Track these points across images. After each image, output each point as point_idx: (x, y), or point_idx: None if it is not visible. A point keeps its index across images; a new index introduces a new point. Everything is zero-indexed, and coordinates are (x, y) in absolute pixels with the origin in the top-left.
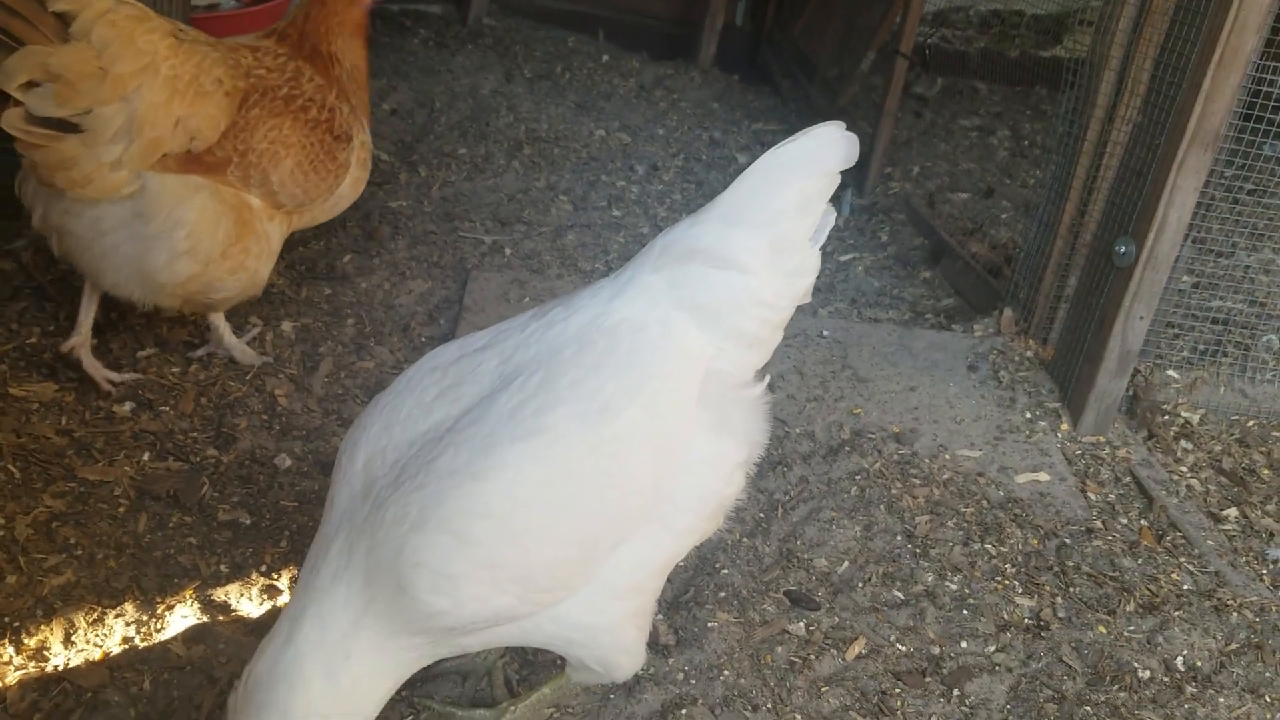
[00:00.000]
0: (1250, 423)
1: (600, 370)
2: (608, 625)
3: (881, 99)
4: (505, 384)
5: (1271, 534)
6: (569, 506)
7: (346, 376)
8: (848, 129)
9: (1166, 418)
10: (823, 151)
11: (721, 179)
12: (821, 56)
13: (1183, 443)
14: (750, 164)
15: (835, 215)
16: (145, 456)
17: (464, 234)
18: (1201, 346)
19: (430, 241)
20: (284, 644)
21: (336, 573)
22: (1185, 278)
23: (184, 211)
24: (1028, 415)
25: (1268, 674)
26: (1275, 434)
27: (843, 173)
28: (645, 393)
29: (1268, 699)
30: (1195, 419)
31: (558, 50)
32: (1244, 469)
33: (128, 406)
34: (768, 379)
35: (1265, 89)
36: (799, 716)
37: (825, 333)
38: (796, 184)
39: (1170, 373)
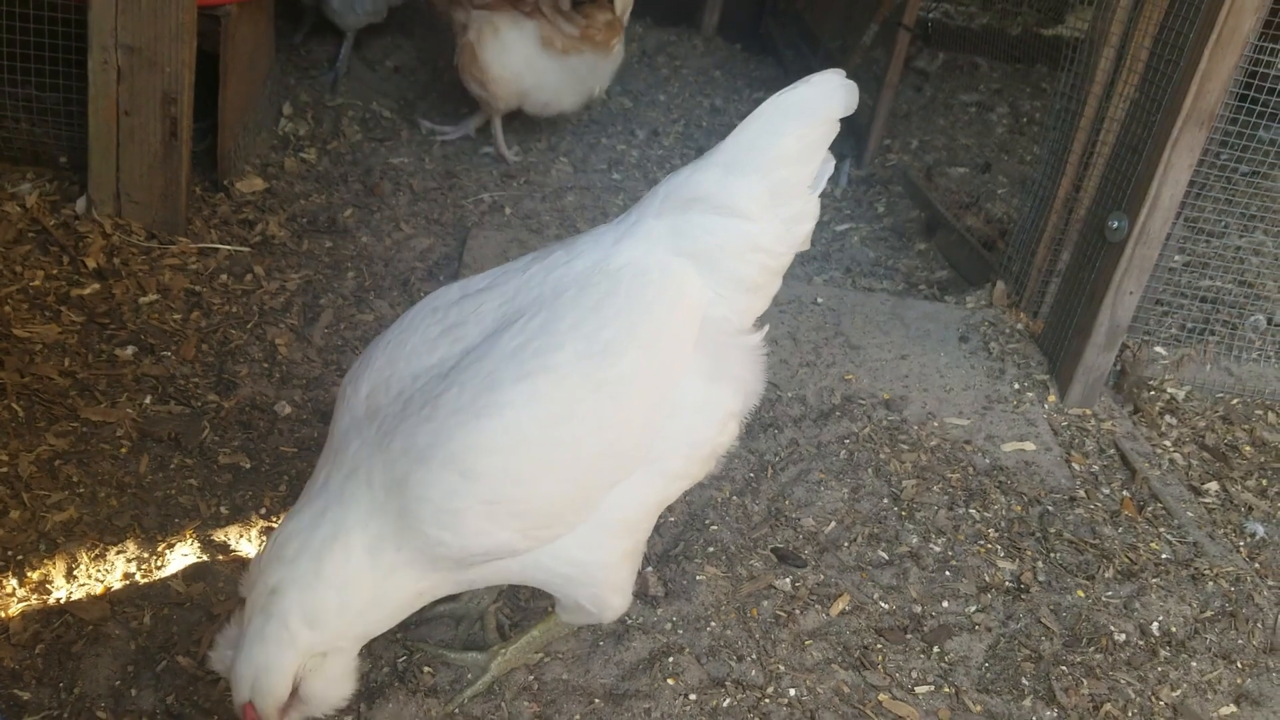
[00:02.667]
0: (1235, 400)
1: (601, 312)
2: (602, 562)
3: (883, 71)
4: (508, 324)
5: (1250, 508)
6: (568, 445)
7: (346, 328)
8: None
9: (1153, 393)
10: (823, 99)
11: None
12: (825, 27)
13: (1167, 418)
14: (778, 92)
15: (834, 162)
16: (147, 400)
17: (464, 191)
18: (1190, 325)
19: (431, 198)
20: (320, 512)
21: (358, 474)
22: (1177, 257)
23: None
24: (1016, 386)
25: (1240, 641)
26: (1259, 412)
27: (840, 144)
28: (644, 336)
29: (1239, 664)
30: (1181, 395)
31: None
32: (1226, 445)
33: (130, 350)
34: (766, 327)
35: (1262, 70)
36: (783, 667)
37: (819, 300)
38: (796, 131)
39: (1158, 349)
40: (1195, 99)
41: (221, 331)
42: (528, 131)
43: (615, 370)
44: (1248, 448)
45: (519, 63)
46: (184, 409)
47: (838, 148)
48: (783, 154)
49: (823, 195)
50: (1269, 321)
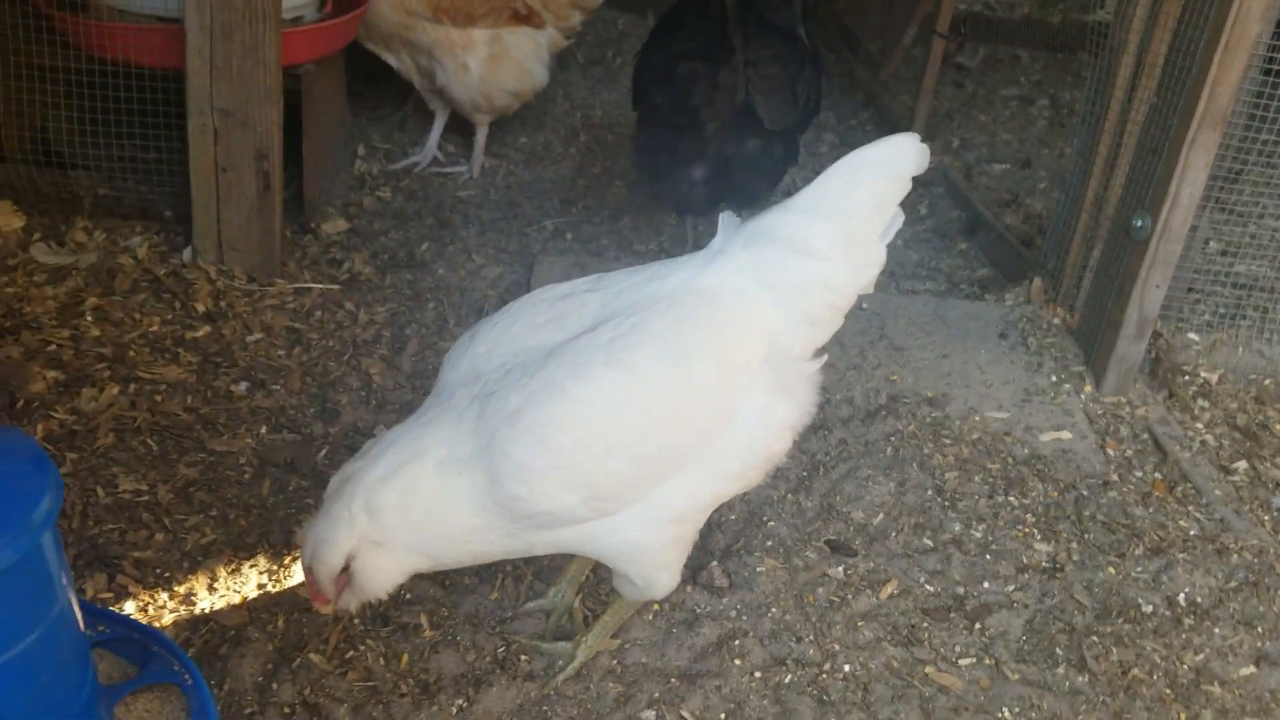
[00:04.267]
0: (1267, 381)
1: (683, 324)
2: (652, 544)
3: (922, 74)
4: (604, 321)
5: (1278, 484)
6: (635, 431)
7: (431, 355)
8: (892, 102)
9: (1186, 378)
10: (899, 158)
11: None
12: (864, 30)
13: (1200, 401)
14: (860, 148)
15: (903, 217)
16: (263, 430)
17: (528, 220)
18: (1222, 310)
19: (498, 229)
20: (409, 429)
21: (455, 411)
22: (1212, 244)
23: None
24: (1053, 378)
25: (1261, 609)
26: None
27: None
28: (716, 348)
29: (1260, 630)
30: (1214, 379)
31: (608, 33)
32: (1257, 424)
33: (243, 386)
34: (825, 358)
35: (1275, 68)
36: (838, 646)
37: (864, 305)
38: (873, 186)
39: (1191, 336)
40: (1209, 102)
41: (321, 364)
42: (585, 158)
43: (686, 375)
44: (1278, 426)
45: (541, 70)
46: (295, 436)
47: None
48: (859, 206)
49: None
50: None
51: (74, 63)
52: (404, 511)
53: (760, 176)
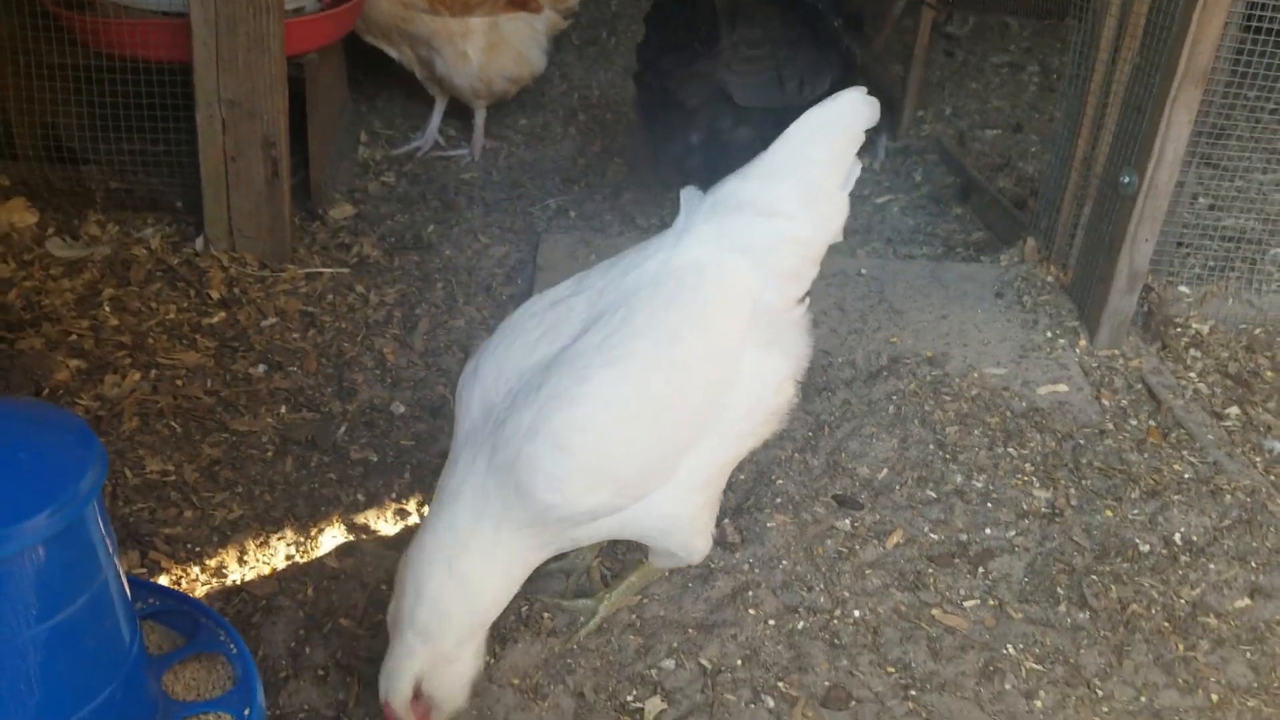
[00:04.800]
0: (1257, 330)
1: (669, 306)
2: (686, 514)
3: (913, 44)
4: (594, 322)
5: (1269, 428)
6: (649, 418)
7: (442, 333)
8: (884, 73)
9: (1178, 329)
10: (848, 114)
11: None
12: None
13: (1192, 351)
14: (810, 109)
15: (861, 166)
16: (282, 409)
17: (531, 199)
18: (1212, 263)
19: (502, 209)
20: (421, 536)
21: (465, 478)
22: (1200, 199)
23: None
24: (1049, 334)
25: (1254, 544)
26: None
27: (877, 120)
28: (706, 322)
29: (1253, 564)
30: (1205, 329)
31: (602, 14)
32: (1248, 372)
33: (261, 369)
34: (808, 301)
35: (1254, 25)
36: (847, 593)
37: (863, 271)
38: (827, 142)
39: (1182, 289)
40: (1189, 60)
41: (335, 345)
42: (584, 137)
43: (683, 354)
44: (1269, 373)
45: (539, 55)
46: (315, 415)
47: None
48: (817, 163)
49: (863, 170)
50: None
51: (82, 60)
52: (447, 619)
53: (748, 153)
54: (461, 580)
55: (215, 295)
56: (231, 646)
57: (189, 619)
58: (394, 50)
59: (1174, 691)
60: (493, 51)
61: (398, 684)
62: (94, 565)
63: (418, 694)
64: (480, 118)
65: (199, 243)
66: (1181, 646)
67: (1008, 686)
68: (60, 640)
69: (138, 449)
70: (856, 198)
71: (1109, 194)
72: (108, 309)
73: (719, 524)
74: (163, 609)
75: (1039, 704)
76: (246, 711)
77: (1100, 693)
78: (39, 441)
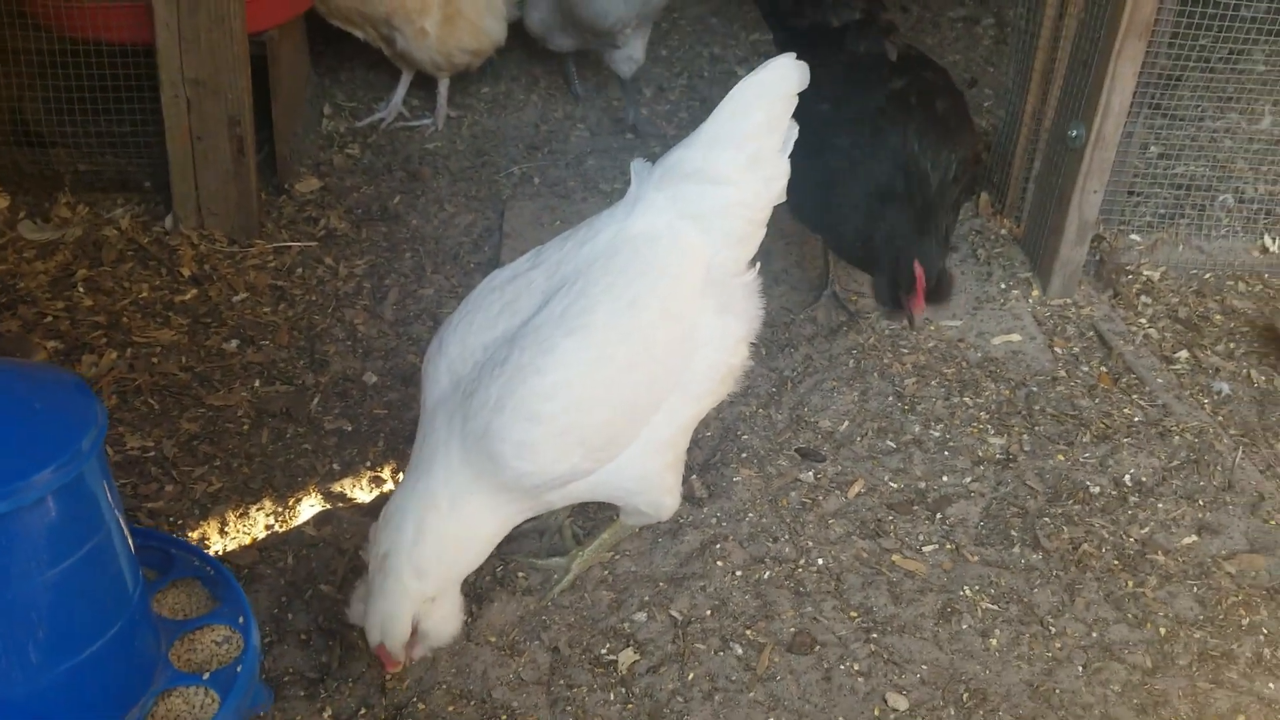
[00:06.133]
0: (1207, 275)
1: (625, 274)
2: (653, 473)
3: None
4: (554, 293)
5: (1217, 370)
6: (612, 384)
7: (411, 303)
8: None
9: (1130, 277)
10: (781, 79)
11: (723, 94)
12: None
13: (1144, 298)
14: (744, 78)
15: (797, 129)
16: (256, 383)
17: (496, 167)
18: (1162, 211)
19: (467, 177)
20: (412, 486)
21: (439, 445)
22: (1152, 148)
23: None
24: (1002, 286)
25: (1202, 483)
26: (1229, 283)
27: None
28: (661, 288)
29: (1200, 503)
30: (1156, 276)
31: None
32: (1198, 316)
33: (234, 343)
34: (759, 265)
35: None
36: (811, 543)
37: None
38: (763, 108)
39: (1133, 237)
40: (1132, 13)
41: (307, 318)
42: (546, 104)
43: (641, 320)
44: (1218, 316)
45: (496, 25)
46: (289, 387)
47: None
48: (755, 128)
49: None
50: (1237, 199)
51: (46, 44)
52: (444, 559)
53: None
54: (462, 519)
55: (186, 273)
56: (208, 569)
57: (161, 554)
58: (359, 31)
59: (1124, 626)
60: (449, 25)
61: (396, 626)
62: (97, 514)
63: (413, 633)
64: (444, 87)
65: (168, 221)
66: (1131, 583)
67: (965, 626)
68: (69, 582)
69: (117, 426)
70: None
71: (1058, 147)
72: (82, 290)
73: (687, 480)
74: (136, 546)
75: (994, 642)
76: (240, 619)
77: (1053, 629)
78: (43, 401)
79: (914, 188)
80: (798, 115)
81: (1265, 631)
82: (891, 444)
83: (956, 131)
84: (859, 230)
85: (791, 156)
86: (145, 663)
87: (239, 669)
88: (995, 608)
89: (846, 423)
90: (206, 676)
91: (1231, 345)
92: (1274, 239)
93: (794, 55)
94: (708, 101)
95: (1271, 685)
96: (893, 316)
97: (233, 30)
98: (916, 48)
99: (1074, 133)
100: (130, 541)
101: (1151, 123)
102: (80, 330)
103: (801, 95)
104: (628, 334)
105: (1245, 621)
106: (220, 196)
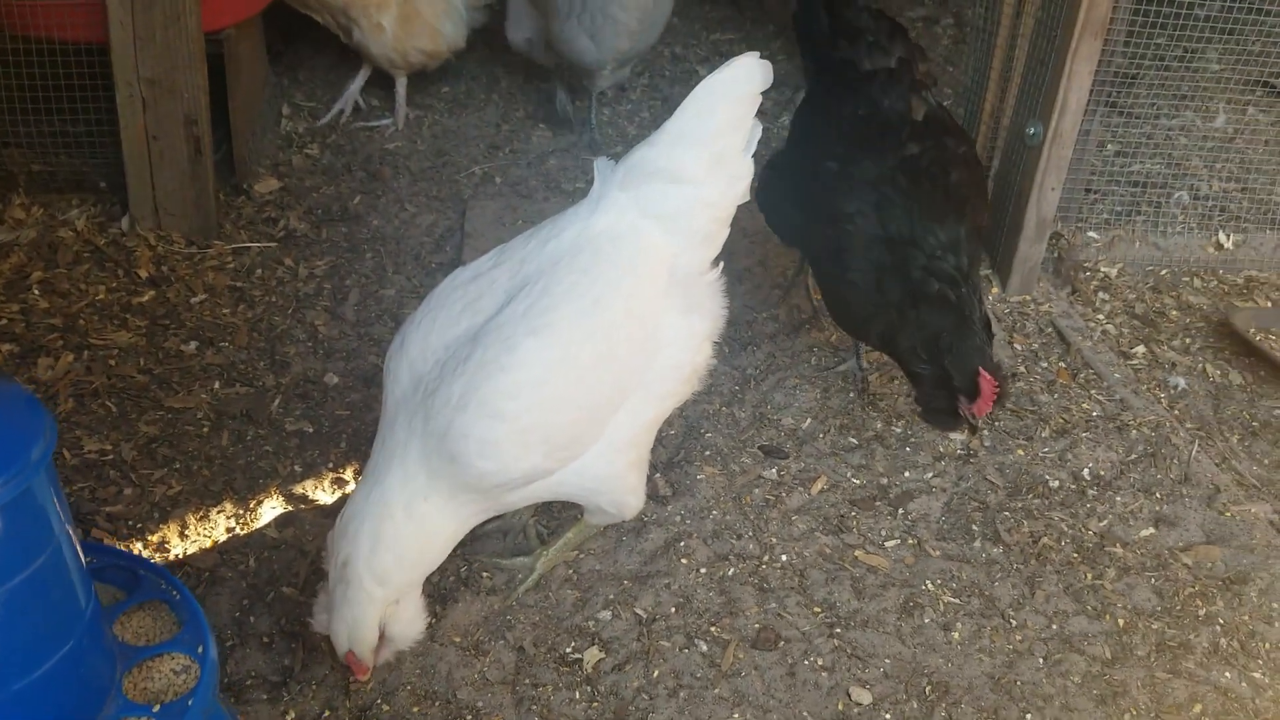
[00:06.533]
0: (1163, 271)
1: (589, 273)
2: (616, 473)
3: None
4: (517, 292)
5: (1174, 364)
6: (575, 382)
7: (372, 303)
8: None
9: (1088, 274)
10: (744, 79)
11: (684, 93)
12: None
13: (1101, 294)
14: (707, 77)
15: (762, 127)
16: (216, 385)
17: (457, 167)
18: (1119, 208)
19: (428, 177)
20: (367, 492)
21: (397, 446)
22: (1109, 146)
23: None
24: None
25: (1159, 476)
26: (1185, 279)
27: (799, 80)
28: (625, 287)
29: (1158, 495)
30: (1114, 273)
31: None
32: (1154, 311)
33: (193, 345)
34: (722, 264)
35: None
36: (774, 539)
37: None
38: (726, 108)
39: (1091, 234)
40: (1088, 12)
41: (266, 319)
42: (507, 103)
43: (604, 319)
44: (1174, 312)
45: (454, 28)
46: (249, 389)
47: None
48: (719, 128)
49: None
50: (1192, 196)
51: None
52: (404, 563)
53: None
54: (419, 523)
55: (144, 274)
56: (174, 593)
57: (128, 574)
58: (318, 16)
59: (1083, 618)
60: (406, 24)
61: (364, 632)
62: (47, 530)
63: (380, 637)
64: (401, 86)
65: (125, 222)
66: (1090, 575)
67: (927, 620)
68: (19, 601)
69: (74, 430)
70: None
71: (1016, 145)
72: (37, 292)
73: (650, 479)
74: (101, 565)
75: (956, 635)
76: (200, 649)
77: (1014, 622)
78: None
79: (947, 286)
80: (804, 168)
81: (1221, 622)
82: (854, 440)
83: (968, 204)
84: (882, 334)
85: (800, 212)
86: (96, 689)
87: (190, 702)
88: (957, 601)
89: (809, 420)
90: (157, 709)
91: (1187, 340)
92: (1228, 235)
93: (758, 54)
94: (669, 101)
95: (1228, 674)
96: (947, 425)
97: (188, 28)
98: (945, 107)
99: (1032, 131)
100: (82, 558)
101: (1108, 121)
102: (36, 333)
103: (808, 146)
104: (591, 333)
105: (1202, 612)
106: (177, 197)
